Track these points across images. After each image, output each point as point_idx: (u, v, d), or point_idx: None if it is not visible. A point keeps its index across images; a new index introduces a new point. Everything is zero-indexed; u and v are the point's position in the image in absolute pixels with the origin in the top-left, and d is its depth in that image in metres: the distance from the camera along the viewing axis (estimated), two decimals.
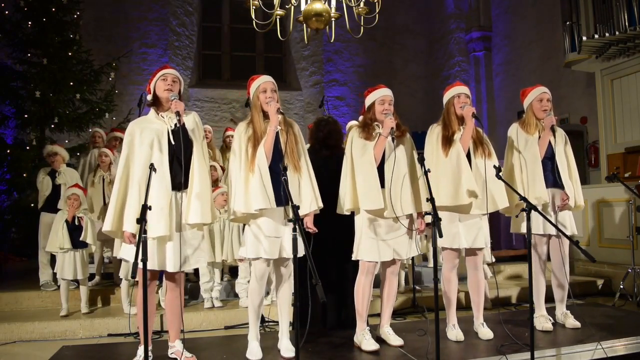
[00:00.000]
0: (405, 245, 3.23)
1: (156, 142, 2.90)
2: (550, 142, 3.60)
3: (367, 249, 3.17)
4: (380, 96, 3.26)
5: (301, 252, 2.74)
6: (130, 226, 2.82)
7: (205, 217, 2.94)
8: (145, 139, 2.90)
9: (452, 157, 3.33)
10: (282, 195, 2.94)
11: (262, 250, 3.00)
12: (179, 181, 2.92)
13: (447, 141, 3.38)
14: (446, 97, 3.52)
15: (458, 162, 3.30)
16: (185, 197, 2.94)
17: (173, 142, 2.91)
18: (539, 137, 3.61)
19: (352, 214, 3.29)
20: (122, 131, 5.89)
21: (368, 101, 3.32)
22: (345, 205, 3.21)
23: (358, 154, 3.19)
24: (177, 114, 2.85)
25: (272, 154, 3.02)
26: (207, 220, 2.97)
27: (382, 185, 3.14)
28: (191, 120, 3.04)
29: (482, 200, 3.30)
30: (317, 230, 3.06)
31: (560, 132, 3.73)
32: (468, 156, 3.35)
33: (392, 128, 3.11)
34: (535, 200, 3.50)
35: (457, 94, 3.44)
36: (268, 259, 3.03)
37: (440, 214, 3.40)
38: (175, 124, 2.89)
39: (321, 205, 3.16)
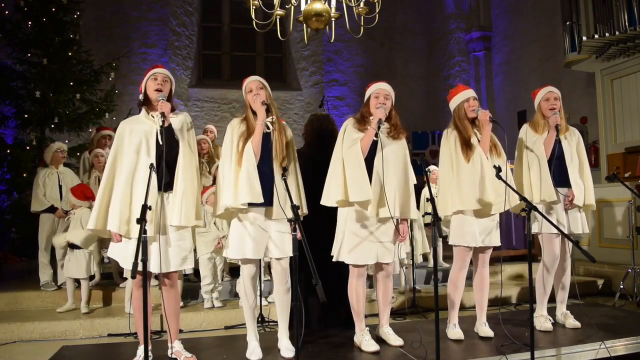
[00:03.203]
0: (390, 247, 3.19)
1: (144, 144, 2.90)
2: (559, 141, 3.59)
3: (348, 250, 3.13)
4: (374, 90, 3.25)
5: (292, 252, 2.73)
6: (113, 225, 2.83)
7: (187, 220, 2.92)
8: (133, 140, 2.91)
9: (475, 163, 3.32)
10: (266, 196, 2.97)
11: (247, 251, 3.00)
12: (166, 182, 2.91)
13: (467, 146, 3.36)
14: (454, 102, 3.51)
15: (481, 167, 3.31)
16: (171, 198, 2.94)
17: (161, 143, 2.90)
18: (546, 137, 3.62)
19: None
20: (110, 129, 5.92)
21: (366, 96, 3.32)
22: (334, 196, 3.12)
23: (348, 144, 3.17)
24: (162, 114, 2.85)
25: (261, 154, 3.02)
26: (189, 224, 2.95)
27: (370, 183, 3.08)
28: (180, 121, 3.03)
29: (501, 200, 3.31)
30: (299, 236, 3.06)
31: (573, 131, 3.73)
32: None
33: (379, 119, 3.07)
34: (541, 201, 3.53)
35: (466, 98, 3.45)
36: (255, 258, 3.03)
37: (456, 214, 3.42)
38: (161, 125, 2.88)
39: (306, 212, 3.16)
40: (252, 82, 3.14)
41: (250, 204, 2.97)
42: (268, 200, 3.00)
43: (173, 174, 2.94)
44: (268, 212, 3.05)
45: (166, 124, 2.88)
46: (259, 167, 3.00)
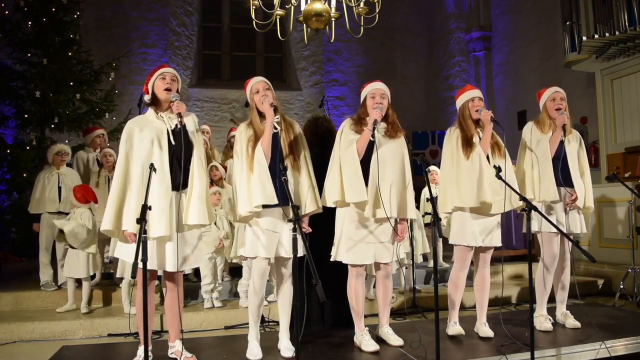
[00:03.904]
0: (388, 247, 3.19)
1: (156, 144, 2.89)
2: (562, 142, 3.61)
3: (346, 250, 3.15)
4: (370, 90, 3.26)
5: (300, 252, 2.74)
6: (130, 225, 2.81)
7: (204, 218, 2.94)
8: (146, 136, 2.89)
9: (474, 160, 3.34)
10: (280, 195, 2.96)
11: (260, 249, 3.01)
12: (179, 182, 2.92)
13: (468, 144, 3.39)
14: (460, 101, 3.54)
15: (480, 165, 3.32)
16: (184, 197, 2.95)
17: (173, 143, 2.91)
18: (552, 136, 3.63)
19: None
20: (100, 128, 5.91)
21: (362, 96, 3.32)
22: (332, 197, 3.16)
23: (344, 145, 3.18)
24: (179, 115, 2.85)
25: (271, 153, 3.02)
26: (205, 222, 2.97)
27: (366, 184, 3.09)
28: (191, 122, 3.03)
29: (501, 201, 3.32)
30: (311, 230, 3.05)
31: (575, 134, 3.76)
32: (487, 158, 3.38)
33: (375, 120, 3.07)
34: (543, 200, 3.54)
35: (471, 97, 3.47)
36: (267, 257, 3.04)
37: (456, 212, 3.44)
38: (176, 125, 2.89)
39: (320, 206, 3.16)
40: (258, 83, 3.12)
41: (265, 205, 2.97)
42: (282, 201, 2.99)
43: (185, 173, 2.94)
44: (284, 212, 3.04)
45: (182, 124, 2.87)
46: (271, 168, 3.00)
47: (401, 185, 3.20)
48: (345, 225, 3.17)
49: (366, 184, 3.10)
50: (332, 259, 3.21)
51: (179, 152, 2.88)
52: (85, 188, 4.67)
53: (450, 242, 3.51)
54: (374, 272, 3.80)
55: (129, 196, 2.86)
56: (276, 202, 2.96)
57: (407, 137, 3.30)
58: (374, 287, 4.53)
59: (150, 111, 3.00)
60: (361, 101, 3.33)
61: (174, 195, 2.91)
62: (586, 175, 3.72)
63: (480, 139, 3.42)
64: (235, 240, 4.56)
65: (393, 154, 3.19)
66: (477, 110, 3.43)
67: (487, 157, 3.39)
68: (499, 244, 3.47)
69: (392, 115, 3.27)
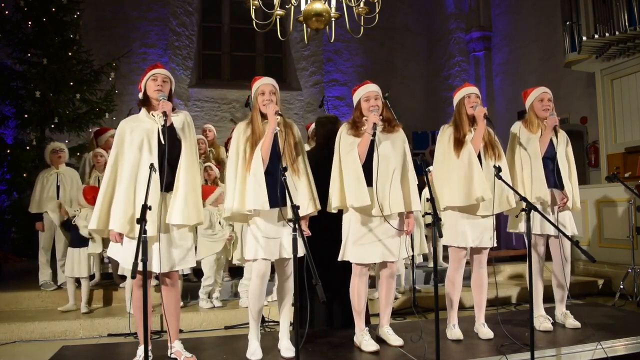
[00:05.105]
0: (395, 246, 3.18)
1: (146, 143, 2.89)
2: (552, 142, 3.60)
3: (353, 250, 3.15)
4: (364, 93, 3.24)
5: (301, 252, 2.74)
6: (116, 225, 2.82)
7: (188, 218, 2.92)
8: (135, 139, 2.89)
9: (464, 158, 3.32)
10: (278, 197, 2.96)
11: (260, 251, 3.00)
12: (169, 182, 2.91)
13: (459, 142, 3.37)
14: (456, 98, 3.53)
15: (470, 163, 3.30)
16: (173, 197, 2.94)
17: (163, 142, 2.89)
18: (541, 136, 3.62)
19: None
20: (112, 129, 5.91)
21: (355, 99, 3.31)
22: (333, 202, 3.18)
23: (345, 151, 3.18)
24: (164, 114, 2.84)
25: (270, 155, 3.02)
26: (190, 222, 2.95)
27: (370, 183, 3.10)
28: (181, 120, 3.02)
29: (492, 201, 3.30)
30: (310, 233, 3.05)
31: (563, 134, 3.74)
32: (478, 157, 3.35)
33: (374, 124, 3.07)
34: (536, 200, 3.52)
35: (468, 94, 3.45)
36: (267, 259, 3.03)
37: (448, 212, 3.43)
38: (163, 124, 2.88)
39: (319, 207, 3.16)
40: (266, 86, 3.10)
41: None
42: (280, 202, 2.99)
43: (175, 173, 2.93)
44: (282, 213, 3.04)
45: (168, 123, 2.87)
46: (269, 169, 2.99)
47: (405, 179, 3.21)
48: (351, 226, 3.18)
49: (370, 183, 3.10)
50: (339, 259, 3.22)
51: (168, 151, 2.87)
52: (95, 190, 4.67)
53: (443, 242, 3.51)
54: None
55: (117, 196, 2.87)
56: (268, 208, 2.94)
57: (408, 130, 3.30)
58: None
59: (143, 110, 3.01)
60: (354, 104, 3.31)
61: (163, 196, 2.89)
62: (573, 176, 3.70)
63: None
64: (240, 242, 4.56)
65: (394, 150, 3.20)
66: (472, 107, 3.41)
67: (480, 156, 3.36)
68: (492, 245, 3.44)
69: (386, 112, 3.27)
